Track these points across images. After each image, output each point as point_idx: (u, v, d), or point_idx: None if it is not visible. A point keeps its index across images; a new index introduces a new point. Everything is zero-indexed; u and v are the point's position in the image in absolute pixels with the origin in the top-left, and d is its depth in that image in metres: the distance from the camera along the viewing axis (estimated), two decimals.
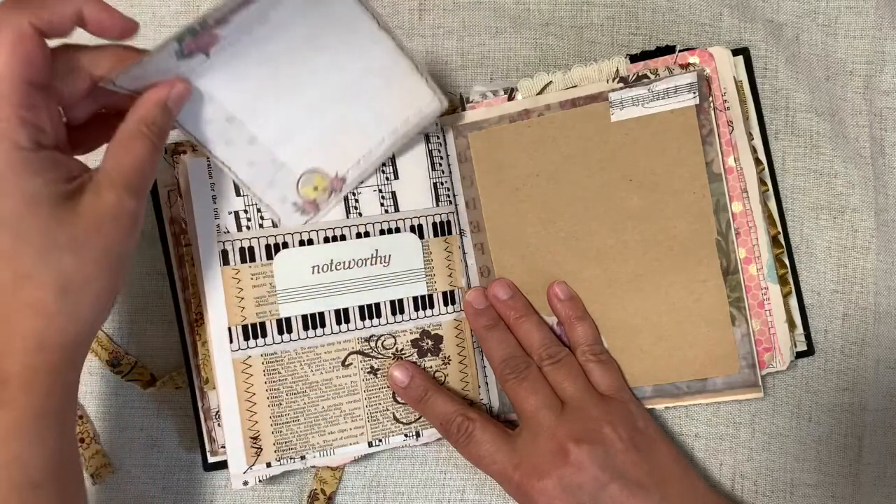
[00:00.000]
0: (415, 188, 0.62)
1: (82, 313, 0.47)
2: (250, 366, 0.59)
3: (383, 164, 0.61)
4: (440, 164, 0.63)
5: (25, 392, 0.46)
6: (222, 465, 0.62)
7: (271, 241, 0.60)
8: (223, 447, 0.61)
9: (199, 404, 0.62)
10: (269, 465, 0.60)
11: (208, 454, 0.62)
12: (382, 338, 0.62)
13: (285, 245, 0.60)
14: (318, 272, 0.60)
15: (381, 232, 0.61)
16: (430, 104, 0.60)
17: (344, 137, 0.59)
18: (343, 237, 0.61)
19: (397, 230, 0.61)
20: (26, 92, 0.44)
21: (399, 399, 0.62)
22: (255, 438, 0.60)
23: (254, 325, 0.59)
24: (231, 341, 0.59)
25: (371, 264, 0.61)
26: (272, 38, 0.53)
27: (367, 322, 0.61)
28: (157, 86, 0.50)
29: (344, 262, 0.61)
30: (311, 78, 0.56)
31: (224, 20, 0.49)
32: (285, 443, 0.60)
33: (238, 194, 0.59)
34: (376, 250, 0.61)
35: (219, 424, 0.61)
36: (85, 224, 0.46)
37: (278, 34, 0.53)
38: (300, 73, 0.56)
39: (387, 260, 0.61)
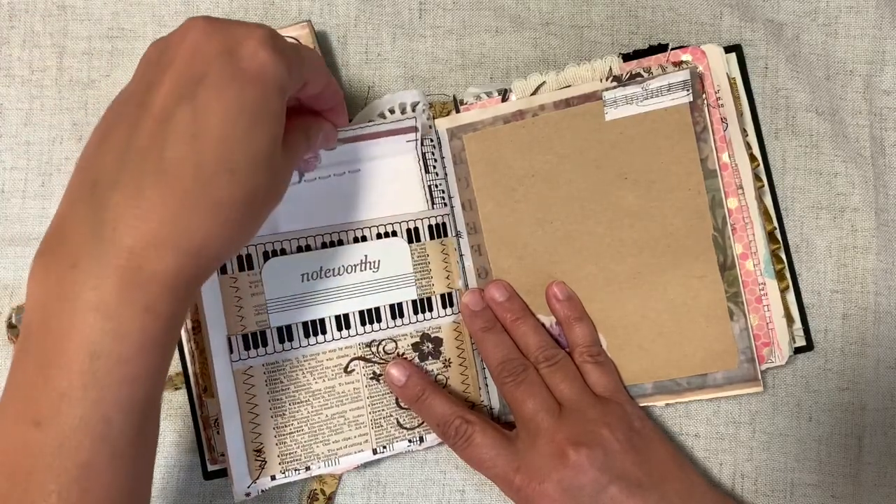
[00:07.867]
0: (408, 191, 0.62)
1: (243, 234, 0.46)
2: (252, 376, 0.59)
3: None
4: (434, 167, 0.63)
5: (169, 299, 0.42)
6: (222, 472, 0.62)
7: (268, 248, 0.59)
8: (223, 455, 0.61)
9: (198, 412, 0.62)
10: (273, 477, 0.60)
11: (208, 462, 0.62)
12: (383, 342, 0.62)
13: (282, 251, 0.59)
14: (308, 280, 0.60)
15: (378, 236, 0.61)
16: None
17: None
18: (341, 241, 0.61)
19: (393, 234, 0.61)
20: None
21: (402, 404, 0.62)
22: (258, 451, 0.59)
23: (254, 334, 0.59)
24: (231, 351, 0.59)
25: (360, 270, 0.61)
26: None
27: (368, 327, 0.61)
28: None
29: (333, 269, 0.61)
30: None
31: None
32: (289, 454, 0.60)
33: None
34: (365, 255, 0.61)
35: (218, 432, 0.61)
36: (279, 164, 0.47)
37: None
38: None
39: (376, 265, 0.61)
